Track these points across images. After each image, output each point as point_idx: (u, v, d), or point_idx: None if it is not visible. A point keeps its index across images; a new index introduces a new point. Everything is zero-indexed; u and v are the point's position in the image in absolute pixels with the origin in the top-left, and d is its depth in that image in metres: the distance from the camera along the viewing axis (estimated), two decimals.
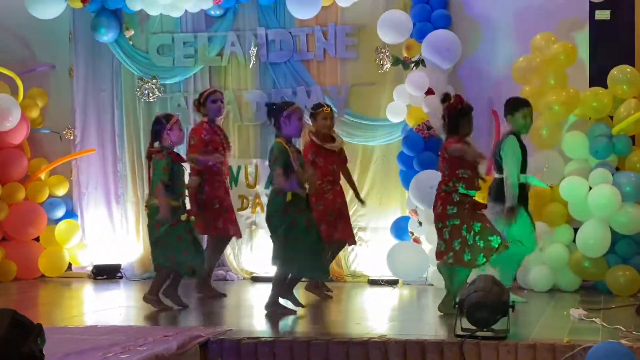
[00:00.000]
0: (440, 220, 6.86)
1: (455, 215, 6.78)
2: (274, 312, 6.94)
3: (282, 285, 7.09)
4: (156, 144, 7.36)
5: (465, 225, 6.77)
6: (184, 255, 7.28)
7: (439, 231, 6.88)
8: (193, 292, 8.10)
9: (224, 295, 8.15)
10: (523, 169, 7.22)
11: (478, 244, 6.77)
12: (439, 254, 6.90)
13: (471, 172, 6.83)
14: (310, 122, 8.21)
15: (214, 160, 7.91)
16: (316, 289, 8.02)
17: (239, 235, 8.35)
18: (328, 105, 8.23)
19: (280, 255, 6.93)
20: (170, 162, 7.25)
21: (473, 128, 7.01)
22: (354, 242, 8.39)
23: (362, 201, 8.40)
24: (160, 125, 7.34)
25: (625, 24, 8.73)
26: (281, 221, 6.89)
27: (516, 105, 7.36)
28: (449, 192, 6.81)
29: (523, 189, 7.21)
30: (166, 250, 7.26)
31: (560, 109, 8.35)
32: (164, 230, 7.20)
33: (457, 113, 6.89)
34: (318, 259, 7.05)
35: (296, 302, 7.24)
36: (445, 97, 6.98)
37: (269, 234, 7.08)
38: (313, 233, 6.99)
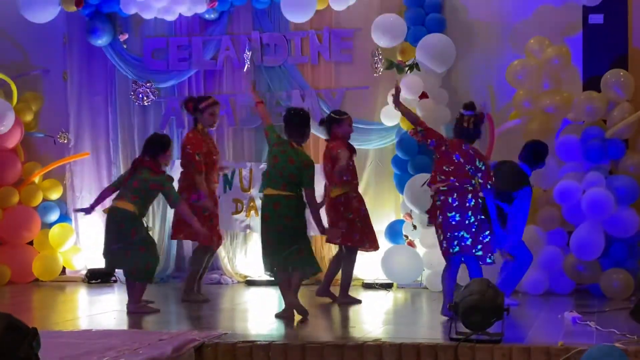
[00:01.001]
0: (474, 215, 6.88)
1: (480, 211, 6.94)
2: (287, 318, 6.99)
3: None
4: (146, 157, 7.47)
5: (485, 219, 6.96)
6: (155, 260, 7.49)
7: (468, 226, 6.86)
8: (178, 298, 8.20)
9: (208, 300, 8.14)
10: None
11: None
12: (467, 248, 6.88)
13: None
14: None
15: (206, 203, 7.90)
16: (328, 293, 8.03)
17: (184, 238, 8.30)
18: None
19: (310, 257, 7.06)
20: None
21: None
22: (377, 248, 8.23)
23: None
24: (160, 148, 7.47)
25: (619, 28, 8.76)
26: (305, 223, 7.05)
27: (541, 156, 7.62)
28: (478, 188, 6.95)
29: None
30: (146, 256, 7.34)
31: (553, 113, 8.38)
32: (141, 237, 7.32)
33: (480, 124, 7.04)
34: None
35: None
36: (473, 106, 7.07)
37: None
38: None
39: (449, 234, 6.83)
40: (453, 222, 6.82)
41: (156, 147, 7.47)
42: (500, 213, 7.27)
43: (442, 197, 6.88)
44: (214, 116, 8.17)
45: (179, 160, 8.29)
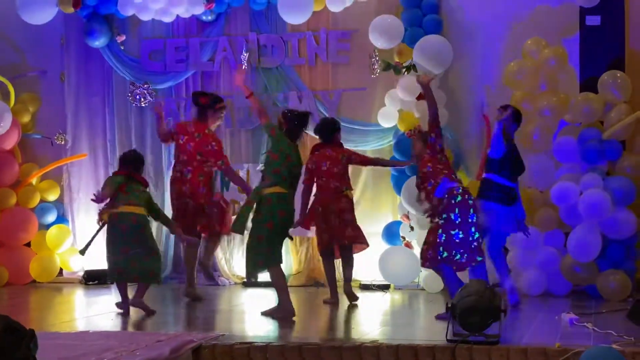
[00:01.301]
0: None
1: None
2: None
3: None
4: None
5: None
6: (161, 262, 7.65)
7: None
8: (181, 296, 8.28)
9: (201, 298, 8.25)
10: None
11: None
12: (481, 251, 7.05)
13: None
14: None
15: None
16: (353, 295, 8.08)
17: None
18: None
19: None
20: None
21: None
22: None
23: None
24: (141, 164, 7.62)
25: (616, 29, 8.77)
26: None
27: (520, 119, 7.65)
28: None
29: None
30: (158, 258, 7.48)
31: (551, 114, 8.39)
32: (154, 241, 7.52)
33: None
34: None
35: None
36: None
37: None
38: None
39: (488, 233, 7.12)
40: (477, 222, 7.01)
41: (138, 163, 7.57)
42: (510, 191, 7.41)
43: (471, 197, 7.05)
44: (221, 119, 8.40)
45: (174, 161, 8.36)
